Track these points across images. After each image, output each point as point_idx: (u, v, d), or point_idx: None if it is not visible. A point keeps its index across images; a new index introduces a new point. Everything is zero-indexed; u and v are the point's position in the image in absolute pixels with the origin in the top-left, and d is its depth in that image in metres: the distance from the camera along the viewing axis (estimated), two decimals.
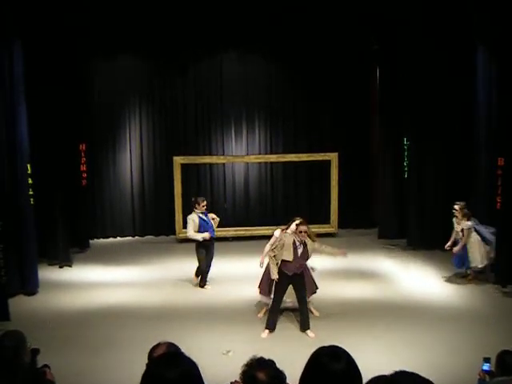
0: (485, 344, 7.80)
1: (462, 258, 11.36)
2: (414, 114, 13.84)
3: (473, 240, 11.19)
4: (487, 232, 11.28)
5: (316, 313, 9.74)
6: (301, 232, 8.75)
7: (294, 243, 8.81)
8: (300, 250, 8.84)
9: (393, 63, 14.44)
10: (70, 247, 13.30)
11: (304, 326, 9.00)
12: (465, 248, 11.23)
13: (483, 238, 11.20)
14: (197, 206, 11.10)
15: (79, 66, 13.82)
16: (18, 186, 10.72)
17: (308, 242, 8.86)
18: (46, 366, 4.79)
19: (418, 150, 13.87)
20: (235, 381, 3.70)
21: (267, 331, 8.95)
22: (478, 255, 11.19)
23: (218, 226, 15.30)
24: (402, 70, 14.03)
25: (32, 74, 11.45)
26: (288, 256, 8.78)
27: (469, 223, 11.20)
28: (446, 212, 13.55)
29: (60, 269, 12.63)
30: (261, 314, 9.67)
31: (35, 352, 4.85)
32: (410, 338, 8.67)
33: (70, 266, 12.82)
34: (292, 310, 9.67)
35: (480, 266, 11.27)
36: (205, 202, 11.22)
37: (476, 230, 11.23)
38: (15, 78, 10.59)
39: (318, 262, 10.14)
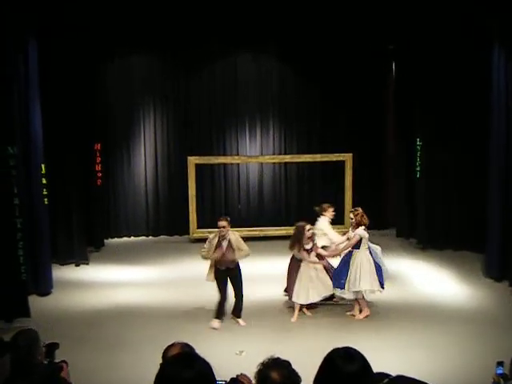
0: (499, 347, 7.77)
1: (340, 275, 9.68)
2: (427, 113, 13.80)
3: (365, 258, 9.63)
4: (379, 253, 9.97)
5: (308, 313, 9.91)
6: (219, 228, 9.46)
7: (219, 240, 9.45)
8: (225, 245, 9.42)
9: (408, 63, 14.40)
10: (87, 246, 13.38)
11: (235, 313, 9.63)
12: (347, 264, 9.64)
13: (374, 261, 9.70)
14: (324, 212, 11.05)
15: (94, 65, 13.90)
16: (32, 185, 10.77)
17: (232, 236, 9.50)
18: (63, 361, 4.81)
19: (430, 150, 13.83)
20: (241, 373, 3.72)
21: (217, 321, 9.43)
22: (367, 277, 9.54)
23: (231, 226, 15.44)
24: (417, 70, 13.97)
25: (46, 73, 11.50)
26: (216, 253, 9.41)
27: (365, 233, 9.67)
28: (457, 213, 13.59)
29: (76, 267, 12.71)
30: (294, 319, 9.73)
31: (54, 346, 4.86)
32: (423, 340, 8.65)
33: (87, 263, 12.90)
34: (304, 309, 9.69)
35: (358, 290, 9.63)
36: (332, 209, 11.20)
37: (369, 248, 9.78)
38: (30, 78, 10.65)
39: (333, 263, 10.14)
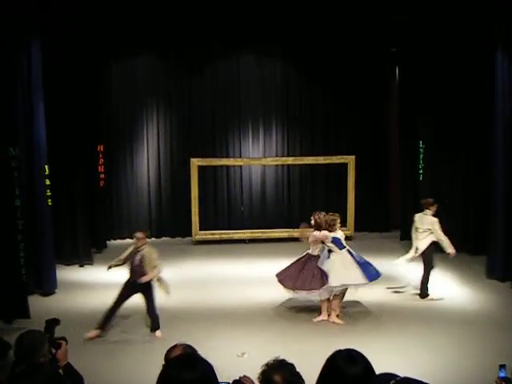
0: (501, 349, 7.76)
1: None
2: (429, 116, 13.78)
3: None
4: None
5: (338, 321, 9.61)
6: (137, 238, 9.21)
7: (133, 252, 9.18)
8: (137, 258, 9.10)
9: (412, 66, 14.39)
10: (91, 247, 13.43)
11: (152, 328, 9.12)
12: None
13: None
14: (430, 207, 10.66)
15: (97, 67, 13.93)
16: (36, 186, 10.79)
17: (146, 250, 9.12)
18: (63, 338, 4.80)
19: (433, 152, 13.79)
20: (244, 375, 3.71)
21: (96, 331, 8.94)
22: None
23: (234, 228, 15.51)
24: (420, 73, 13.96)
25: (50, 75, 11.51)
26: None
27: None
28: (461, 215, 13.55)
29: (80, 268, 12.76)
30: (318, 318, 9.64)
31: (54, 322, 4.86)
32: (425, 342, 8.63)
33: (92, 264, 12.94)
34: (306, 313, 9.68)
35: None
36: (437, 205, 10.78)
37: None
38: (33, 79, 10.66)
39: None
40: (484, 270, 11.93)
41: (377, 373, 2.79)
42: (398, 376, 2.63)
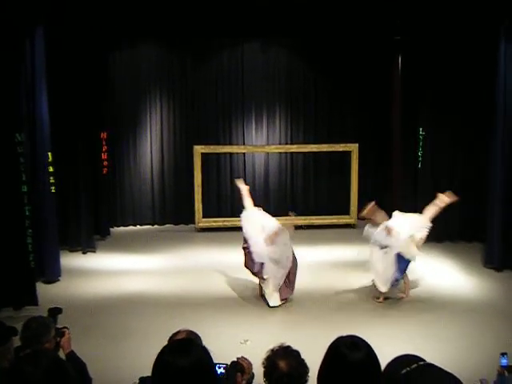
0: (505, 338, 7.77)
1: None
2: (431, 103, 13.70)
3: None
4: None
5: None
6: None
7: None
8: None
9: (415, 53, 14.29)
10: (93, 234, 13.43)
11: None
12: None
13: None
14: None
15: (101, 53, 13.87)
16: (39, 173, 10.76)
17: None
18: (65, 327, 4.86)
19: (433, 139, 13.74)
20: (241, 356, 3.73)
21: None
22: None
23: (237, 216, 15.47)
24: (424, 60, 13.87)
25: (53, 61, 11.47)
26: None
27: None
28: (460, 203, 13.54)
29: (83, 255, 12.75)
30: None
31: (57, 311, 4.92)
32: (429, 331, 8.65)
33: (94, 251, 12.94)
34: (308, 301, 9.70)
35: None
36: None
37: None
38: (37, 66, 10.60)
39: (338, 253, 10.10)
40: (481, 258, 11.98)
41: (385, 360, 2.77)
42: (423, 360, 2.61)
